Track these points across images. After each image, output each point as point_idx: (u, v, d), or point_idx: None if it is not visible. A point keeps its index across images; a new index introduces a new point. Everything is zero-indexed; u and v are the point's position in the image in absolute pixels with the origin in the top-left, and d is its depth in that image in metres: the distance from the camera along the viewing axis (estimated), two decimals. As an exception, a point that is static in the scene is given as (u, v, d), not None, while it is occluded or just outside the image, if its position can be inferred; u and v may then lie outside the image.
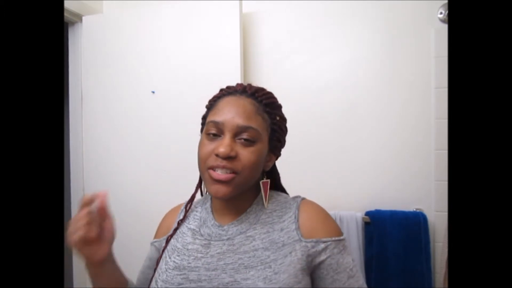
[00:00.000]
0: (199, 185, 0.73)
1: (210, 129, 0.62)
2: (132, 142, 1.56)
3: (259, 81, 1.54)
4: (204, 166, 0.62)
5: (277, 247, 0.61)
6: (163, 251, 0.69)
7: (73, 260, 1.68)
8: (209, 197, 0.73)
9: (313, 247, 0.60)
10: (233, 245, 0.63)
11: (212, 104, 0.67)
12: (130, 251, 1.60)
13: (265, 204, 0.66)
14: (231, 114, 0.61)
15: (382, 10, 1.46)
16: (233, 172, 0.60)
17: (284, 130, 0.70)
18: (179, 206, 0.77)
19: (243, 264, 0.60)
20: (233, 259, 0.61)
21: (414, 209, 1.42)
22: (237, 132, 0.61)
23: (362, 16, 1.48)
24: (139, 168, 1.55)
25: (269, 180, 0.67)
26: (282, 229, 0.63)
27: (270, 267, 0.58)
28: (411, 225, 1.37)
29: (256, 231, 0.64)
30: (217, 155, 0.59)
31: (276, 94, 0.69)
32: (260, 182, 0.66)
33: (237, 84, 0.69)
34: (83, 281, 1.65)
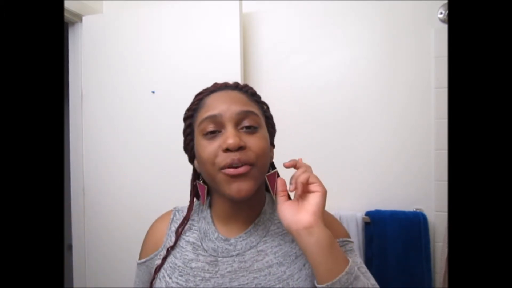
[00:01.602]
0: (194, 198, 0.64)
1: (207, 127, 0.55)
2: (132, 142, 1.56)
3: (259, 81, 1.55)
4: (214, 168, 0.54)
5: (290, 260, 0.58)
6: (157, 271, 0.61)
7: (73, 260, 1.67)
8: (206, 205, 0.65)
9: None
10: (245, 262, 0.57)
11: (197, 106, 0.61)
12: (130, 251, 1.60)
13: (274, 196, 0.58)
14: (226, 104, 0.56)
15: (382, 10, 1.46)
16: (249, 164, 0.53)
17: (272, 119, 0.65)
18: (166, 216, 0.68)
19: (260, 284, 0.55)
20: (248, 279, 0.56)
21: (414, 209, 1.41)
22: (238, 120, 0.55)
23: (362, 16, 1.48)
24: (139, 168, 1.55)
25: (276, 170, 0.60)
26: (293, 240, 0.59)
27: (288, 284, 0.55)
28: (411, 225, 1.37)
29: (267, 244, 0.59)
30: (226, 150, 0.52)
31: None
32: (266, 176, 0.58)
33: (214, 83, 0.65)
34: (83, 281, 1.64)
